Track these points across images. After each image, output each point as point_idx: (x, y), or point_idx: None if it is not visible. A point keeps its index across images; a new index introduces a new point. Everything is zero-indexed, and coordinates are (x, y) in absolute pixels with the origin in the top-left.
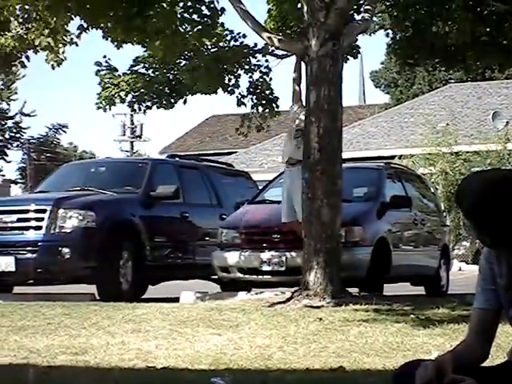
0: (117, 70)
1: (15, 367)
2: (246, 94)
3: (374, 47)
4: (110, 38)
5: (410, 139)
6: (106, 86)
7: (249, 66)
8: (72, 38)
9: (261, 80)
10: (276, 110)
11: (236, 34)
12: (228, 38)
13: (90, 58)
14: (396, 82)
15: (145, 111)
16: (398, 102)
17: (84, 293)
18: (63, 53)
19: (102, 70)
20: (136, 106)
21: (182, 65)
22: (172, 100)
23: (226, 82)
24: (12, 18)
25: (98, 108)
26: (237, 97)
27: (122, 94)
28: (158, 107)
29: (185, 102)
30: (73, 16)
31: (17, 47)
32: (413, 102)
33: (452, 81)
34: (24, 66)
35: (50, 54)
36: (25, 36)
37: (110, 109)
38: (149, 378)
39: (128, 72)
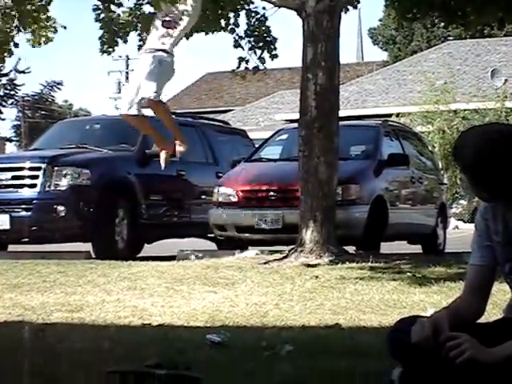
0: (113, 11)
1: (10, 324)
2: (243, 36)
3: (372, 4)
4: None
5: (407, 97)
6: (107, 26)
7: (247, 8)
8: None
9: (258, 24)
10: (274, 52)
11: None
12: None
13: (86, 14)
14: (394, 39)
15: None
16: (396, 60)
17: (79, 251)
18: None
19: (100, 10)
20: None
21: None
22: None
23: (226, 22)
24: None
25: (103, 52)
26: (234, 38)
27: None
28: None
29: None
30: None
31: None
32: (411, 59)
33: (451, 38)
34: (11, 54)
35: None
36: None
37: (113, 50)
38: (144, 335)
39: (128, 9)
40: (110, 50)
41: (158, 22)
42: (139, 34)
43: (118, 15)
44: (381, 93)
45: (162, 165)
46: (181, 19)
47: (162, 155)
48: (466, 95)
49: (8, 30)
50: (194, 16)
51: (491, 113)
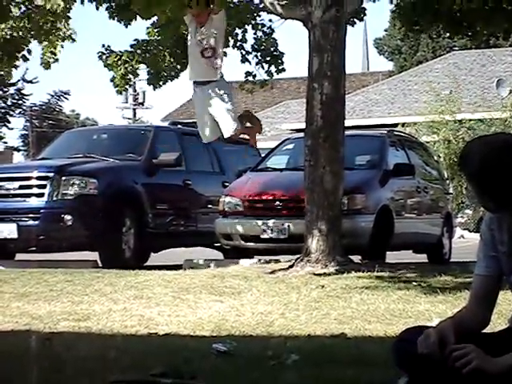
0: (121, 54)
1: (17, 333)
2: (250, 50)
3: (378, 14)
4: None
5: (413, 107)
6: (115, 66)
7: (254, 23)
8: (70, 34)
9: (265, 37)
10: (281, 66)
11: None
12: None
13: (93, 25)
14: (400, 49)
15: (159, 85)
16: (402, 70)
17: (86, 260)
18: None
19: (106, 55)
20: (153, 81)
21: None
22: (179, 66)
23: (233, 38)
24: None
25: (119, 92)
26: (241, 53)
27: (132, 67)
28: (166, 79)
29: None
30: None
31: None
32: (416, 69)
33: (456, 48)
34: (26, 60)
35: (46, 51)
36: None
37: (127, 88)
38: (150, 344)
39: (135, 43)
40: (126, 87)
41: (196, 54)
42: (147, 66)
43: (124, 54)
44: (386, 103)
45: (254, 144)
46: (215, 43)
47: (252, 138)
48: (472, 105)
49: (22, 38)
50: (222, 35)
51: (497, 123)
